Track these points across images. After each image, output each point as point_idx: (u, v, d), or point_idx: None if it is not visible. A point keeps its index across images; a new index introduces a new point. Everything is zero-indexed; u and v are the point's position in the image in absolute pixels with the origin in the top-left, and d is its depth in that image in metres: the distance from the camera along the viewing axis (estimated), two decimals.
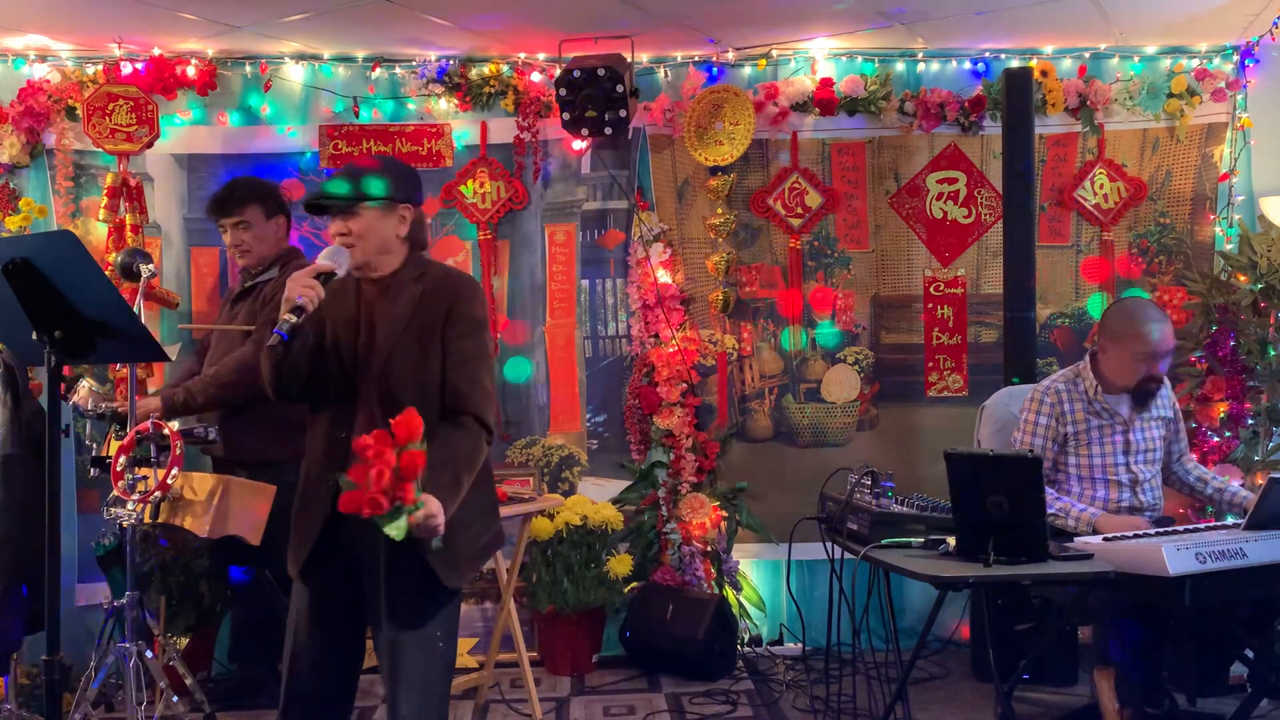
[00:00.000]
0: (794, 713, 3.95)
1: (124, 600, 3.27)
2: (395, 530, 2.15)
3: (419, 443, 2.15)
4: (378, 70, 4.61)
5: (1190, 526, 3.28)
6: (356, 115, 4.60)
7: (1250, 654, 3.27)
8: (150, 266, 3.58)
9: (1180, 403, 3.73)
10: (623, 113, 4.28)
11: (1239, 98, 4.62)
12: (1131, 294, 4.50)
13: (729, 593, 4.56)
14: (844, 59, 4.68)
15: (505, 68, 4.63)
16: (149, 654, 3.24)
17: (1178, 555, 2.70)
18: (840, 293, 4.73)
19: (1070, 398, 3.52)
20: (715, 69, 4.67)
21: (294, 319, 2.34)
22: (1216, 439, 4.29)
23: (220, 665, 4.27)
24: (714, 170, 4.63)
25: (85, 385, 3.56)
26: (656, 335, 4.66)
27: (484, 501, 2.64)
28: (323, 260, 2.47)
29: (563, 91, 4.29)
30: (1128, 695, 3.19)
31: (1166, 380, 3.64)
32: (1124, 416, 3.50)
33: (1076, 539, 3.09)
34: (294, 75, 4.59)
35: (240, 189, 3.87)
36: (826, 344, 4.73)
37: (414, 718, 2.46)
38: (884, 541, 3.00)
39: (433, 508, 2.25)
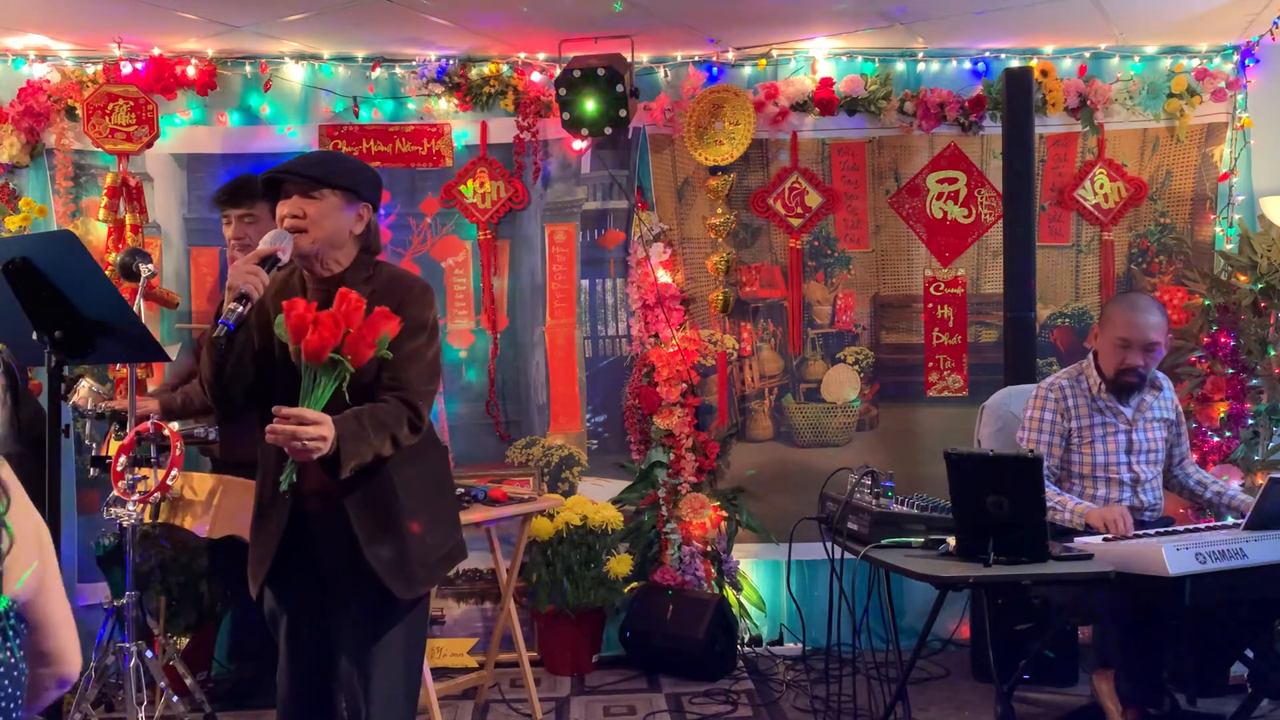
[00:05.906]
0: (794, 713, 3.95)
1: (124, 600, 3.27)
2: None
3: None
4: (378, 70, 4.61)
5: (1190, 526, 3.28)
6: (356, 115, 4.59)
7: (1250, 654, 3.27)
8: (150, 266, 3.57)
9: (1180, 403, 3.73)
10: (623, 113, 4.28)
11: (1239, 98, 4.62)
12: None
13: (729, 593, 4.56)
14: (844, 59, 4.68)
15: (505, 68, 4.63)
16: (149, 654, 3.24)
17: (1178, 555, 2.71)
18: (840, 293, 4.73)
19: (1074, 394, 3.52)
20: (715, 69, 4.67)
21: (239, 308, 2.26)
22: (1216, 439, 4.29)
23: (220, 665, 4.27)
24: (714, 170, 4.62)
25: (85, 385, 3.56)
26: (656, 335, 4.66)
27: (445, 513, 2.59)
28: (265, 244, 2.36)
29: (563, 91, 4.29)
30: (1128, 695, 3.19)
31: (1169, 382, 3.64)
32: (1127, 415, 3.50)
33: (1077, 539, 3.09)
34: (294, 75, 4.58)
35: (255, 183, 3.85)
36: (827, 344, 4.74)
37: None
38: (884, 541, 3.00)
39: (325, 427, 2.20)
